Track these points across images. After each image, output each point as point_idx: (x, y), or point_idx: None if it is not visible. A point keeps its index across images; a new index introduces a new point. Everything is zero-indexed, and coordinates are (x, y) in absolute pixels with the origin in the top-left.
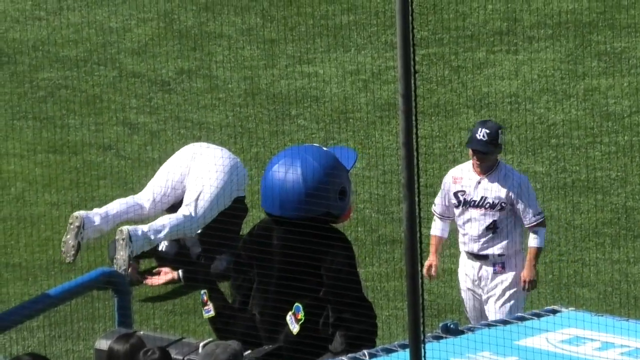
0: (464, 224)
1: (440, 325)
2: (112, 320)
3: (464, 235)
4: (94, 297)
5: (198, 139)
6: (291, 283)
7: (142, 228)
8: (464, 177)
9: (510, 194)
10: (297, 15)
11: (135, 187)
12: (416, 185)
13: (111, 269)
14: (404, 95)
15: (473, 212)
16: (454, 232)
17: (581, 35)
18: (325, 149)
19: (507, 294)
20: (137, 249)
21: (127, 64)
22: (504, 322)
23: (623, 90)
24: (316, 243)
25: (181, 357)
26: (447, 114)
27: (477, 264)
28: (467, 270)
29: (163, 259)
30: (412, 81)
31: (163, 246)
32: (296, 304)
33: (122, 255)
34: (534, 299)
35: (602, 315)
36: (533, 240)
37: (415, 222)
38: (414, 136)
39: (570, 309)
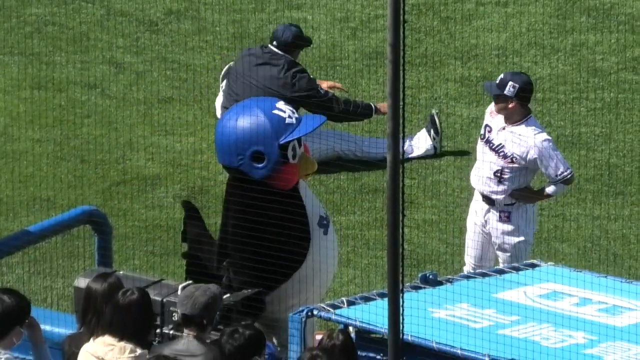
0: (480, 159)
1: (420, 275)
2: (92, 259)
3: (477, 170)
4: (74, 235)
5: (184, 81)
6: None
7: None
8: (497, 115)
9: (526, 155)
10: None
11: (119, 127)
12: (401, 135)
13: (92, 208)
14: (393, 44)
15: (488, 153)
16: (433, 184)
17: None
18: (276, 109)
19: (512, 244)
20: None
21: (115, 3)
22: (483, 275)
23: (611, 47)
24: (230, 194)
25: (160, 299)
26: (434, 65)
27: (486, 206)
28: (477, 207)
29: None
30: (401, 31)
31: None
32: None
33: None
34: None
35: (580, 271)
36: (547, 186)
37: (399, 172)
38: (401, 86)
39: (549, 263)
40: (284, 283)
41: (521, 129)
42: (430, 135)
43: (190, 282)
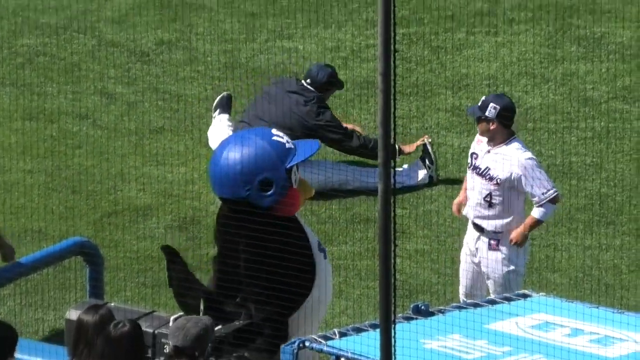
0: (469, 188)
1: (411, 306)
2: (84, 290)
3: (467, 199)
4: (65, 266)
5: (175, 111)
6: (223, 265)
7: None
8: (482, 141)
9: (510, 174)
10: None
11: (111, 157)
12: (392, 165)
13: (84, 239)
14: (383, 74)
15: (476, 179)
16: (425, 214)
17: (561, 19)
18: (275, 135)
19: (502, 274)
20: None
21: (107, 33)
22: (475, 305)
23: (601, 76)
24: (237, 226)
25: (151, 330)
26: (425, 94)
27: (476, 234)
28: (468, 237)
29: None
30: (392, 60)
31: None
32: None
33: None
34: None
35: (572, 302)
36: (535, 211)
37: (390, 202)
38: (392, 116)
39: (540, 294)
40: (296, 312)
41: (504, 149)
42: (425, 164)
43: (181, 313)
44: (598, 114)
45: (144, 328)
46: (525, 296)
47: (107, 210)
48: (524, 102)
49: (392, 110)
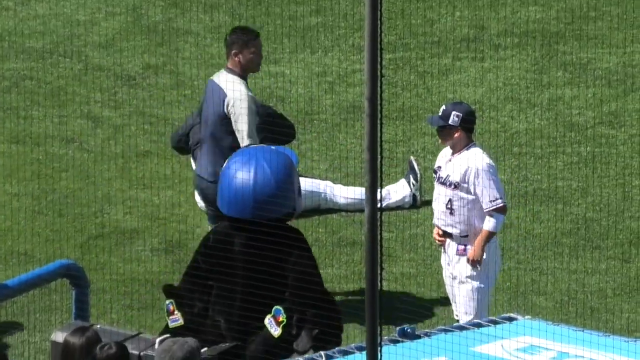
0: (434, 199)
1: (398, 329)
2: (69, 312)
3: (433, 211)
4: (51, 289)
5: (162, 135)
6: (258, 287)
7: None
8: (446, 155)
9: (466, 176)
10: (265, 15)
11: (97, 180)
12: (379, 189)
13: (69, 261)
14: (370, 98)
15: (439, 188)
16: (411, 237)
17: (547, 45)
18: (273, 147)
19: (471, 277)
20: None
21: (93, 58)
22: (461, 328)
23: (587, 101)
24: (279, 244)
25: (137, 353)
26: (412, 119)
27: (447, 241)
28: (444, 249)
29: None
30: (378, 85)
31: None
32: (276, 307)
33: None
34: (491, 306)
35: (558, 325)
36: (486, 223)
37: (376, 225)
38: (378, 140)
39: (526, 317)
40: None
41: (465, 154)
42: (409, 182)
43: (167, 335)
44: (584, 139)
45: (130, 350)
46: (511, 319)
47: (93, 233)
48: (510, 127)
49: (379, 134)
